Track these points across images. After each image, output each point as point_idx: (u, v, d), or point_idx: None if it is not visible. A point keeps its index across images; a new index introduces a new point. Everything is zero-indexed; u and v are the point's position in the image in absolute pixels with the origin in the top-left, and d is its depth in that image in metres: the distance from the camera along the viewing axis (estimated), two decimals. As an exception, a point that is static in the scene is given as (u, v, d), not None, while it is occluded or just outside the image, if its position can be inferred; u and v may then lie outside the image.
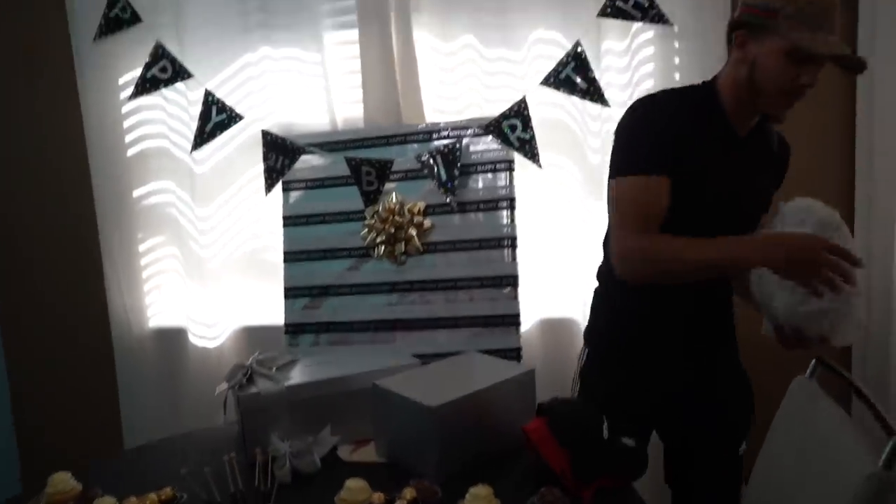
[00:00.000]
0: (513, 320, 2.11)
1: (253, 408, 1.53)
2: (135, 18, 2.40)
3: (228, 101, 2.38)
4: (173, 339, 2.54)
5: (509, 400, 1.52)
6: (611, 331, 1.62)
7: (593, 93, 2.12)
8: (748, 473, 1.66)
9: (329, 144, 2.30)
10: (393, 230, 2.20)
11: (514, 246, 2.13)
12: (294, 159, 2.31)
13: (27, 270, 2.74)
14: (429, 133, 2.22)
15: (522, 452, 1.43)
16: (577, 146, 2.21)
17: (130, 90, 2.44)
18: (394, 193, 2.23)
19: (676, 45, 2.10)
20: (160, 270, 2.58)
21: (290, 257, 2.31)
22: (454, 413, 1.40)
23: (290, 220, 2.32)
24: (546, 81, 2.16)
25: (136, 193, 2.52)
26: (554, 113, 2.22)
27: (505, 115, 2.16)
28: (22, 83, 2.63)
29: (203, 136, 2.38)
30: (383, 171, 2.22)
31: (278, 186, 2.34)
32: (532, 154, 2.16)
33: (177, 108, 2.46)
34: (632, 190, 1.38)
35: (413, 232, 2.19)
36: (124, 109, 2.49)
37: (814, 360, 1.62)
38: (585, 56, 2.12)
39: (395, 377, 1.54)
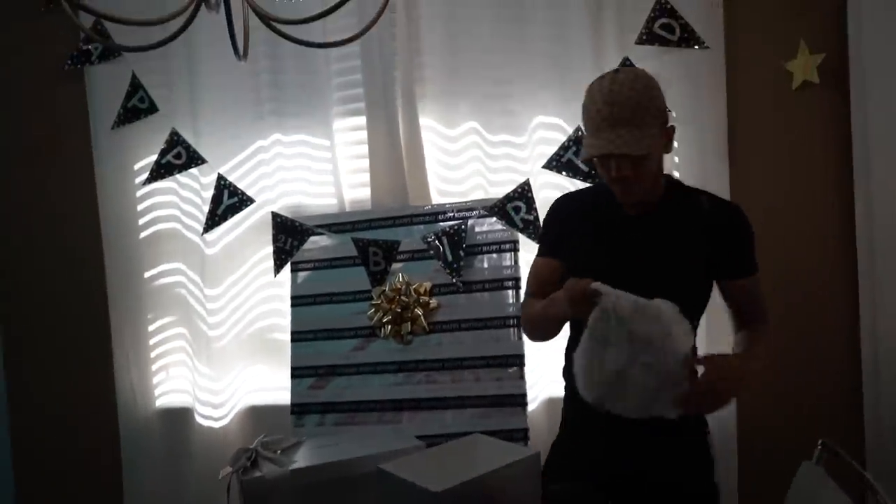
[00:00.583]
0: (520, 400, 2.11)
1: (257, 493, 1.52)
2: (152, 108, 2.50)
3: (240, 185, 2.44)
4: (179, 418, 2.54)
5: (514, 484, 1.50)
6: (565, 408, 1.74)
7: (595, 175, 2.17)
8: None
9: (337, 226, 2.34)
10: (399, 310, 2.23)
11: (519, 325, 2.13)
12: (303, 240, 2.35)
13: (37, 347, 2.76)
14: (435, 214, 2.27)
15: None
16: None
17: (145, 175, 2.51)
18: (400, 274, 2.26)
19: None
20: (168, 350, 2.60)
21: (298, 337, 2.33)
22: (458, 498, 1.39)
23: (297, 300, 2.35)
24: (549, 164, 2.21)
25: (147, 274, 2.57)
26: (557, 195, 2.24)
27: (509, 197, 2.21)
28: (41, 167, 2.71)
29: (215, 218, 2.44)
30: (390, 251, 2.26)
31: (286, 267, 2.38)
32: (536, 235, 2.18)
33: (189, 191, 2.52)
34: (532, 267, 1.73)
35: (419, 312, 2.21)
36: (139, 193, 2.56)
37: (819, 445, 1.58)
38: (586, 140, 2.18)
39: (400, 460, 1.53)
